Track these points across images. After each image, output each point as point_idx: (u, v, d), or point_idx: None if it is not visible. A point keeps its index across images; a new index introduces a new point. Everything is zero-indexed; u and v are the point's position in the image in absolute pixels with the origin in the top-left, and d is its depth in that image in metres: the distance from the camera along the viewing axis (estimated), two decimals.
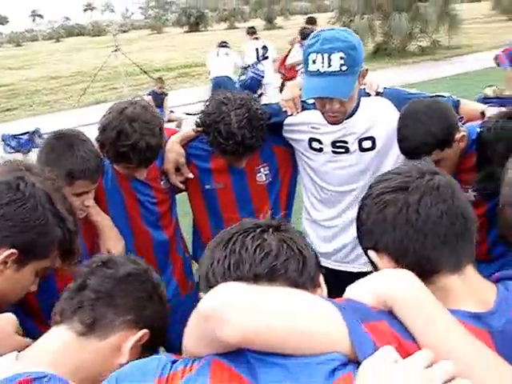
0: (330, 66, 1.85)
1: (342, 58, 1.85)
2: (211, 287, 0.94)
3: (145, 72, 15.04)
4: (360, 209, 1.11)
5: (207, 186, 2.32)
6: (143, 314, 1.11)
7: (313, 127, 2.15)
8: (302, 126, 2.18)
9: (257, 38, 9.31)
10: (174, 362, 0.83)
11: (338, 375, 0.74)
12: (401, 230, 1.00)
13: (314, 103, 2.13)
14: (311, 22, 9.13)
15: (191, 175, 2.27)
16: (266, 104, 2.30)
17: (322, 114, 2.04)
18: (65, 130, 1.86)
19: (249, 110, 2.02)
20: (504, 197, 1.23)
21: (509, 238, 1.26)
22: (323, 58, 1.85)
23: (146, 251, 2.20)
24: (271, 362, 0.77)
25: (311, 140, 2.18)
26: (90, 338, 1.06)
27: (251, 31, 9.55)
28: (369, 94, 2.13)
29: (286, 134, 2.25)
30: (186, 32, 45.89)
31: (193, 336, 0.84)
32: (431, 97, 2.06)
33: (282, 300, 0.81)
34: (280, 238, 0.97)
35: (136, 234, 2.23)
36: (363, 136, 2.11)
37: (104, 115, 2.00)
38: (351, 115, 2.08)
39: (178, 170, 2.26)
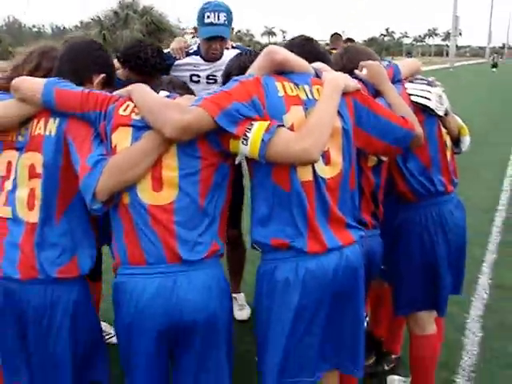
0: (219, 19, 3.04)
1: (225, 16, 3.05)
2: (241, 68, 2.05)
3: None
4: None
5: None
6: None
7: (194, 66, 3.28)
8: (186, 66, 3.27)
9: None
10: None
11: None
12: None
13: (194, 51, 3.29)
14: None
15: None
16: None
17: (210, 50, 3.18)
18: None
19: (157, 47, 3.08)
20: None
21: None
22: (214, 15, 3.04)
23: None
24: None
25: (192, 75, 3.28)
26: None
27: None
28: (227, 48, 3.37)
29: (173, 73, 3.31)
30: None
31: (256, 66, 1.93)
32: None
33: None
34: None
35: None
36: None
37: None
38: (219, 59, 3.29)
39: None
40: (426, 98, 2.33)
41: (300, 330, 1.85)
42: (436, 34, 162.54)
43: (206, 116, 1.73)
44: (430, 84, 2.40)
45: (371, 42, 65.76)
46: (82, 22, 59.70)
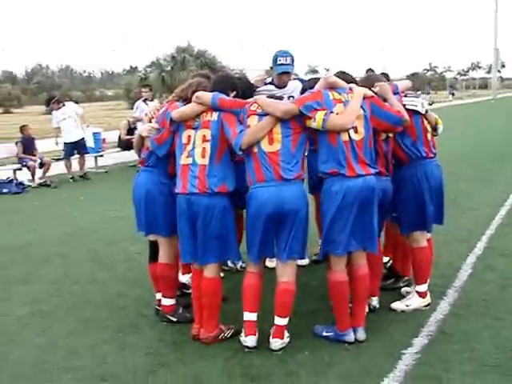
0: (286, 61, 4.83)
1: (290, 59, 4.84)
2: (311, 87, 3.85)
3: None
4: None
5: None
6: None
7: (268, 90, 5.08)
8: (264, 91, 5.08)
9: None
10: None
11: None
12: None
13: (269, 82, 5.10)
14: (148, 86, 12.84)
15: None
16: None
17: (281, 80, 4.98)
18: None
19: (249, 81, 4.89)
20: None
21: None
22: (284, 59, 4.82)
23: None
24: None
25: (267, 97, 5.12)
26: None
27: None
28: (290, 79, 5.15)
29: (255, 95, 5.12)
30: None
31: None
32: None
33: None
34: None
35: None
36: (289, 95, 5.11)
37: None
38: (285, 86, 5.07)
39: None
40: (413, 105, 4.07)
41: (340, 218, 3.57)
42: (479, 67, 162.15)
43: (295, 107, 3.54)
44: (417, 96, 4.17)
45: (414, 76, 67.36)
46: (131, 67, 63.22)
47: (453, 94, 53.78)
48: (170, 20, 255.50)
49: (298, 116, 3.58)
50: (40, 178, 11.43)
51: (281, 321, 3.67)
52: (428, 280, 4.38)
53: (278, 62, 4.84)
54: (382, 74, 10.24)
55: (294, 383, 3.32)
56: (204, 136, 3.71)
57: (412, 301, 4.35)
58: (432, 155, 4.23)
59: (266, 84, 5.14)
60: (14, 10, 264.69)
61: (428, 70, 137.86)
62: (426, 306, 4.35)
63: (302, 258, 3.74)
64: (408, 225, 4.26)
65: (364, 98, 3.70)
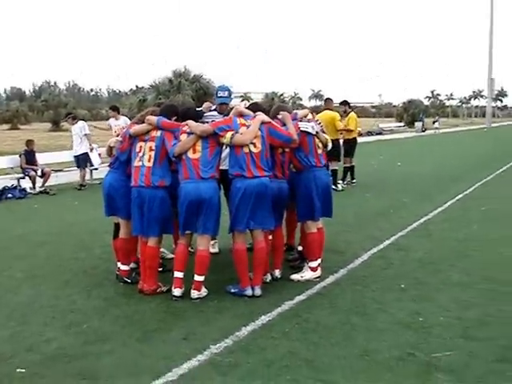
0: (224, 94, 6.43)
1: (228, 92, 6.46)
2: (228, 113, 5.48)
3: None
4: None
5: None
6: None
7: (213, 116, 6.65)
8: (209, 116, 6.62)
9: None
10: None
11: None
12: None
13: (213, 109, 6.69)
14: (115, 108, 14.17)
15: None
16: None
17: (221, 109, 6.57)
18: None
19: (195, 108, 6.51)
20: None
21: None
22: (222, 92, 6.44)
23: None
24: None
25: (212, 120, 6.68)
26: None
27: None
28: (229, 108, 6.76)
29: (204, 119, 6.71)
30: None
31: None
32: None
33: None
34: None
35: None
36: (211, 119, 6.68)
37: None
38: (223, 113, 6.64)
39: None
40: (306, 127, 5.67)
41: (242, 205, 5.14)
42: (481, 96, 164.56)
43: (211, 129, 5.14)
44: (309, 121, 5.76)
45: (410, 103, 69.27)
46: (137, 87, 65.04)
47: (436, 122, 55.92)
48: (169, 42, 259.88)
49: (214, 134, 5.17)
50: (40, 187, 13.03)
51: (198, 277, 5.21)
52: (319, 258, 5.92)
53: (218, 95, 6.43)
54: (344, 101, 12.17)
55: (201, 317, 4.85)
56: (150, 147, 5.30)
57: (305, 273, 5.89)
58: (320, 165, 5.81)
59: (211, 110, 6.75)
60: (25, 26, 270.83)
61: (430, 98, 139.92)
62: (317, 278, 5.87)
63: (214, 233, 5.31)
64: (301, 215, 5.83)
65: (263, 123, 5.29)
